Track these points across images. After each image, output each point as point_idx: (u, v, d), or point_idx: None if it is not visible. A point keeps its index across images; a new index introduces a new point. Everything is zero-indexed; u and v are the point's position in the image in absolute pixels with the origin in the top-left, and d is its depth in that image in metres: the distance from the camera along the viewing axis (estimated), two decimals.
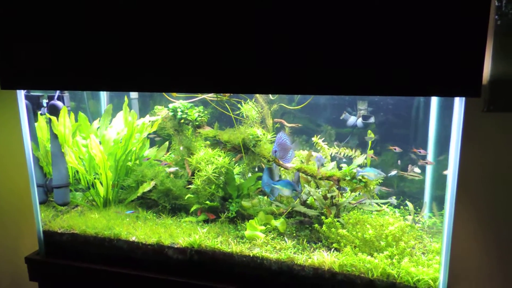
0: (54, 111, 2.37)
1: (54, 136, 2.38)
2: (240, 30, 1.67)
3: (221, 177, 2.42)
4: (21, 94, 2.24)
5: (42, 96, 2.44)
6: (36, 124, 2.49)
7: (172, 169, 2.52)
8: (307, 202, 2.43)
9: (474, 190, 2.09)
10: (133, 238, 2.24)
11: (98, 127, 2.74)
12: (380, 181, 2.26)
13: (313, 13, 1.57)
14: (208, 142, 2.59)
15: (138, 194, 2.56)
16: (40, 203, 2.41)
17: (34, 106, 2.42)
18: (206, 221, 2.39)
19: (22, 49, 2.00)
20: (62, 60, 1.95)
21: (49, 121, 2.36)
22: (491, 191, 2.09)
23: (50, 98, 2.40)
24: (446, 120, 2.20)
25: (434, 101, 2.36)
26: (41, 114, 2.46)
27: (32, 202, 2.36)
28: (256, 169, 2.66)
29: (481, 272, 2.17)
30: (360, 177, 2.15)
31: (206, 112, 2.64)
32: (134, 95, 2.99)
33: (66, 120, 2.39)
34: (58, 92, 2.40)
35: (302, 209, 2.34)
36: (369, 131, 2.35)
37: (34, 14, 1.93)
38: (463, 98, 1.67)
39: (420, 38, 1.50)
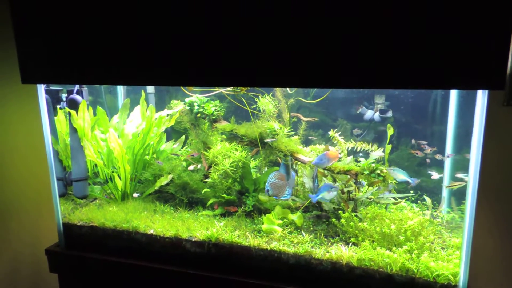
0: (73, 105, 2.40)
1: (73, 130, 2.41)
2: (264, 23, 1.66)
3: (237, 171, 2.43)
4: (41, 88, 2.27)
5: (62, 90, 2.47)
6: (55, 118, 2.53)
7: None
8: None
9: (496, 185, 2.05)
10: (151, 231, 2.26)
11: (117, 121, 2.76)
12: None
13: (337, 6, 1.56)
14: (224, 136, 2.60)
15: (156, 188, 2.58)
16: (60, 196, 2.45)
17: (54, 100, 2.46)
18: (223, 215, 2.40)
19: (41, 43, 2.02)
20: (81, 54, 1.96)
21: (69, 115, 2.39)
22: None
23: (69, 92, 2.43)
24: (466, 115, 2.17)
25: (453, 95, 2.32)
26: (60, 108, 2.50)
27: (52, 195, 2.40)
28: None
29: (503, 267, 2.14)
30: (379, 172, 2.13)
31: (222, 106, 2.64)
32: (150, 89, 3.00)
33: (85, 114, 2.42)
34: (77, 87, 2.43)
35: (320, 203, 2.34)
36: (388, 125, 2.33)
37: (52, 8, 1.95)
38: (486, 92, 1.64)
39: (442, 30, 1.48)
